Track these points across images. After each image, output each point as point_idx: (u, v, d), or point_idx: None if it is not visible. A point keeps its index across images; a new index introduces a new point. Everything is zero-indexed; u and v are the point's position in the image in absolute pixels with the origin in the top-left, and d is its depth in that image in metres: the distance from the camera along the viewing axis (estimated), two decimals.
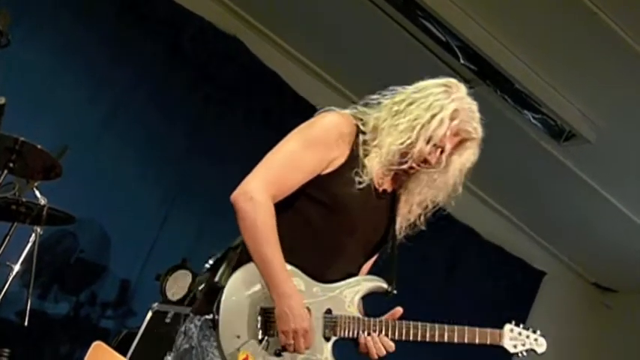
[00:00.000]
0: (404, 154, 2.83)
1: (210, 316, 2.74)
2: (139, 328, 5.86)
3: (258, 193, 2.74)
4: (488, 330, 3.04)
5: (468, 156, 2.96)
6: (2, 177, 4.68)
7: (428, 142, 2.81)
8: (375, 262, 3.10)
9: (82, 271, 6.61)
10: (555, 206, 8.19)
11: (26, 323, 5.28)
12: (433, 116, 2.81)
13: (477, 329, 3.00)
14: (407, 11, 6.07)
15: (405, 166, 2.87)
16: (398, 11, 6.11)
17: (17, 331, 5.82)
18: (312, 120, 2.92)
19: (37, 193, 5.19)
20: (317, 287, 2.82)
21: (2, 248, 5.22)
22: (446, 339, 2.94)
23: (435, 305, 7.56)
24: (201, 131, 7.10)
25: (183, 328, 2.87)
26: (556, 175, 7.34)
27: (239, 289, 2.76)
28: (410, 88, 2.96)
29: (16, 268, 5.25)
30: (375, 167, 2.84)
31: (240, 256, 2.82)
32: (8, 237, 5.27)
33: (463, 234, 8.62)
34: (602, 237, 8.37)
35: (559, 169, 7.18)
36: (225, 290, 2.74)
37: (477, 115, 2.95)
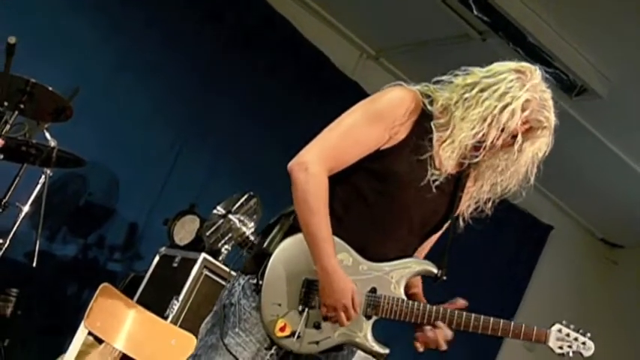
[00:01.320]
0: (477, 147, 2.81)
1: (255, 280, 2.78)
2: (146, 271, 5.91)
3: (314, 164, 2.73)
4: (535, 328, 2.94)
5: (541, 145, 2.90)
6: (13, 118, 4.68)
7: (501, 133, 2.77)
8: (438, 240, 3.10)
9: (91, 214, 6.64)
10: (565, 161, 8.16)
11: (34, 264, 5.31)
12: (504, 107, 2.75)
13: (523, 326, 2.92)
14: None
15: (477, 159, 2.85)
16: None
17: (26, 272, 5.87)
18: (377, 94, 2.89)
19: (47, 134, 5.19)
20: (364, 265, 2.82)
21: (12, 189, 5.25)
22: (490, 332, 2.91)
23: (440, 260, 7.53)
24: (214, 74, 7.08)
25: (229, 285, 2.90)
26: (566, 129, 7.20)
27: (286, 258, 2.79)
28: (482, 71, 2.90)
29: (25, 209, 5.27)
30: (450, 162, 2.83)
31: (294, 222, 2.82)
32: (18, 178, 5.29)
33: None
34: (611, 193, 8.36)
35: (570, 124, 7.13)
36: (273, 257, 2.77)
37: (550, 103, 2.89)
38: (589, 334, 3.00)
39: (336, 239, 2.76)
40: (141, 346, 4.03)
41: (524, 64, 2.96)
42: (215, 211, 5.78)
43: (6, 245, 5.14)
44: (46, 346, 6.12)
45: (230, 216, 5.66)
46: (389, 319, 2.85)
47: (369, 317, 2.83)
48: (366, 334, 2.82)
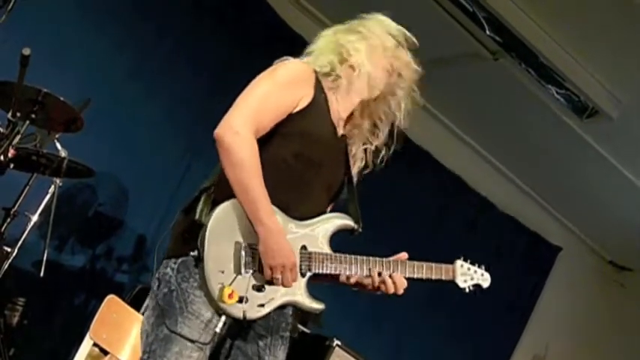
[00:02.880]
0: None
1: (195, 253, 2.76)
2: None
3: (243, 127, 2.81)
4: (443, 266, 3.13)
5: (410, 76, 3.29)
6: (24, 128, 4.69)
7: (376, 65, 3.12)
8: (352, 197, 3.18)
9: (100, 224, 6.64)
10: (574, 182, 8.17)
11: (42, 274, 5.32)
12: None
13: (433, 265, 3.10)
14: None
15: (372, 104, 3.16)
16: None
17: (33, 281, 5.86)
18: (274, 66, 3.10)
19: (58, 145, 5.22)
20: (292, 224, 2.89)
21: (21, 198, 5.27)
22: (407, 274, 3.01)
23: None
24: (225, 85, 7.08)
25: (157, 275, 2.88)
26: (577, 151, 7.31)
27: (222, 226, 2.78)
28: (335, 28, 3.27)
29: (34, 218, 5.29)
30: (341, 115, 3.10)
31: (216, 194, 2.85)
32: (27, 187, 5.31)
33: (479, 205, 8.61)
34: (620, 215, 8.34)
35: (580, 145, 7.15)
36: (209, 226, 2.75)
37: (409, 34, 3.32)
38: (484, 266, 3.25)
39: None
40: None
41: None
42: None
43: (14, 254, 5.15)
44: (52, 356, 6.13)
45: None
46: (320, 274, 2.91)
47: (303, 275, 2.88)
48: (302, 292, 2.88)
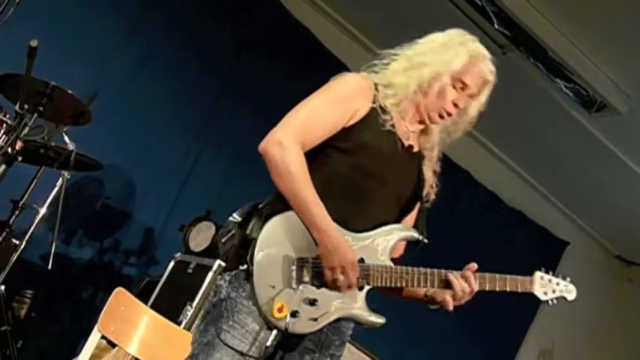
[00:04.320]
0: (425, 95, 3.02)
1: (244, 267, 2.78)
2: (160, 277, 5.92)
3: (287, 139, 2.80)
4: (519, 278, 3.06)
5: (484, 98, 3.14)
6: (32, 120, 4.69)
7: (449, 76, 3.00)
8: (419, 211, 3.14)
9: (107, 217, 6.66)
10: (582, 176, 8.15)
11: (50, 266, 5.33)
12: (448, 48, 3.06)
13: (508, 277, 3.03)
14: None
15: (435, 115, 3.03)
16: None
17: (41, 273, 5.89)
18: (331, 81, 3.03)
19: (66, 138, 5.22)
20: (348, 236, 2.84)
21: (29, 191, 5.28)
22: (479, 287, 2.97)
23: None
24: (233, 80, 7.09)
25: (214, 287, 2.91)
26: (585, 145, 7.30)
27: (272, 240, 2.79)
28: (421, 41, 3.18)
29: (42, 211, 5.30)
30: (410, 130, 3.01)
31: (272, 207, 2.86)
32: (35, 180, 5.32)
33: (486, 199, 8.60)
34: (627, 209, 8.32)
35: (588, 140, 7.13)
36: (259, 241, 2.78)
37: (489, 59, 3.14)
38: (569, 279, 3.18)
39: None
40: (153, 351, 4.03)
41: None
42: (231, 218, 5.77)
43: (22, 246, 5.16)
44: (59, 348, 6.14)
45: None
46: (381, 288, 2.87)
47: (361, 288, 2.84)
48: (361, 305, 2.84)
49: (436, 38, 3.16)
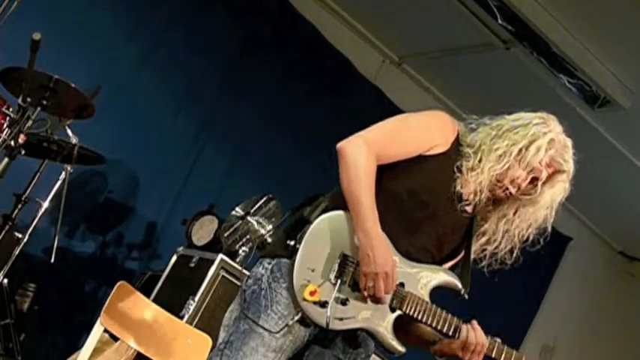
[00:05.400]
0: (500, 180, 2.94)
1: (292, 242, 2.81)
2: (163, 271, 5.92)
3: (366, 145, 2.83)
4: None
5: (559, 189, 3.05)
6: (35, 114, 4.69)
7: (524, 168, 2.92)
8: (466, 264, 3.12)
9: (110, 211, 6.67)
10: (585, 172, 8.11)
11: (52, 260, 5.34)
12: (531, 142, 2.92)
13: None
14: None
15: (499, 191, 2.97)
16: None
17: (43, 267, 5.89)
18: (426, 111, 3.05)
19: (69, 131, 5.23)
20: (397, 257, 2.86)
21: (32, 184, 5.28)
22: None
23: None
24: (236, 75, 7.09)
25: (253, 273, 2.92)
26: (588, 140, 7.21)
27: (325, 229, 2.83)
28: (509, 117, 3.06)
29: (45, 204, 5.30)
30: (475, 189, 2.94)
31: (330, 202, 2.91)
32: (38, 174, 5.32)
33: None
34: (630, 205, 8.31)
35: (591, 135, 7.12)
36: (314, 224, 2.82)
37: (571, 150, 3.08)
38: None
39: None
40: (156, 344, 4.03)
41: (548, 115, 3.14)
42: (234, 213, 5.79)
43: (25, 240, 5.17)
44: (62, 341, 6.15)
45: (248, 218, 5.68)
46: (411, 317, 2.86)
47: (393, 310, 2.85)
48: (387, 327, 2.85)
49: (521, 125, 3.02)
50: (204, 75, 7.00)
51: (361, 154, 2.80)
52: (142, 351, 4.04)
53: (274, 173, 7.07)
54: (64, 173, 5.33)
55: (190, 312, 5.22)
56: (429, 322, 2.88)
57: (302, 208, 2.94)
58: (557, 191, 3.02)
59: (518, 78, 6.78)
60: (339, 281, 2.78)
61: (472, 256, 3.08)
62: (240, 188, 6.61)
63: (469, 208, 3.02)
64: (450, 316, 2.91)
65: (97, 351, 4.19)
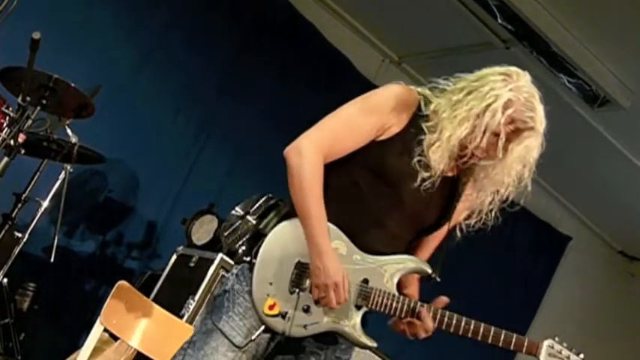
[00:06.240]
0: (463, 146, 2.83)
1: (248, 259, 2.83)
2: (163, 270, 5.92)
3: (308, 149, 2.81)
4: (526, 339, 2.94)
5: (529, 146, 2.90)
6: (35, 113, 4.69)
7: (484, 132, 2.79)
8: (439, 247, 3.11)
9: (110, 210, 6.67)
10: (585, 172, 8.14)
11: (52, 259, 5.34)
12: (487, 106, 2.79)
13: (515, 336, 2.93)
14: None
15: (465, 159, 2.87)
16: None
17: (43, 266, 5.89)
18: (377, 89, 2.97)
19: (69, 131, 5.23)
20: (358, 255, 2.85)
21: (32, 184, 5.28)
22: (480, 337, 2.92)
23: (456, 265, 7.56)
24: (236, 75, 7.09)
25: (221, 279, 2.97)
26: (588, 140, 7.29)
27: (281, 239, 2.83)
28: (471, 77, 2.93)
29: (45, 204, 5.31)
30: (440, 161, 2.83)
31: (290, 209, 2.87)
32: (38, 173, 5.33)
33: None
34: (630, 205, 8.31)
35: (591, 134, 7.12)
36: (268, 237, 2.83)
37: (537, 104, 2.89)
38: (582, 355, 3.00)
39: (331, 226, 2.80)
40: (156, 344, 4.04)
41: (512, 68, 2.98)
42: (233, 212, 5.78)
43: (25, 239, 5.17)
44: (62, 341, 6.15)
45: (248, 217, 5.67)
46: (378, 312, 2.86)
47: (358, 307, 2.85)
48: (355, 325, 2.84)
49: (480, 86, 2.87)
50: (204, 75, 6.99)
51: (303, 161, 2.79)
52: (142, 350, 4.05)
53: (274, 173, 7.05)
54: (63, 173, 5.34)
55: (190, 311, 5.22)
56: (396, 314, 2.86)
57: (264, 216, 2.93)
58: (527, 147, 2.90)
59: None
60: (297, 290, 2.78)
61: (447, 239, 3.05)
62: (240, 188, 6.60)
63: (446, 168, 2.89)
64: (415, 304, 2.87)
65: (96, 350, 4.19)
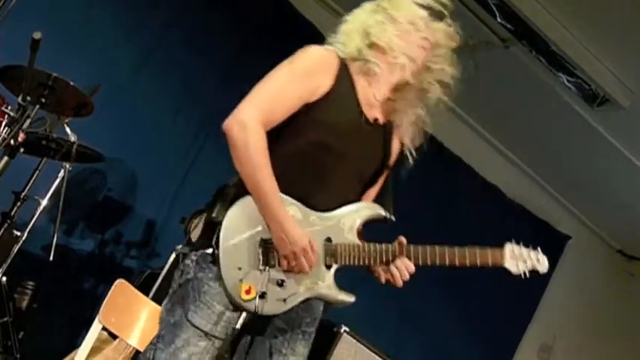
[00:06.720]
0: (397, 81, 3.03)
1: (210, 251, 2.79)
2: (162, 269, 5.92)
3: (251, 120, 2.82)
4: (489, 250, 3.04)
5: (441, 68, 3.08)
6: (34, 112, 4.70)
7: (412, 52, 3.00)
8: (384, 187, 3.14)
9: (109, 209, 6.66)
10: (584, 171, 8.15)
11: (51, 258, 5.34)
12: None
13: (478, 250, 3.00)
14: None
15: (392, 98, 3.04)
16: None
17: (42, 265, 5.89)
18: (297, 53, 3.06)
19: (68, 129, 5.23)
20: (314, 216, 2.87)
21: (31, 182, 5.28)
22: (447, 262, 2.94)
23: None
24: (235, 74, 7.08)
25: (180, 267, 2.91)
26: (587, 139, 7.29)
27: (237, 222, 2.80)
28: (360, 11, 3.17)
29: (44, 202, 5.31)
30: (375, 101, 3.00)
31: (237, 190, 2.85)
32: (37, 172, 5.33)
33: (486, 192, 8.59)
34: (629, 204, 8.32)
35: (590, 134, 7.12)
36: (224, 223, 2.78)
37: (428, 22, 3.07)
38: (539, 249, 3.16)
39: (282, 195, 2.80)
40: None
41: None
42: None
43: (24, 238, 5.17)
44: (61, 339, 6.15)
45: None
46: (349, 266, 2.89)
47: (329, 267, 2.87)
48: (330, 285, 2.87)
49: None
50: (203, 75, 6.99)
51: (248, 133, 2.79)
52: (141, 349, 4.05)
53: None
54: (62, 171, 5.34)
55: None
56: (365, 263, 2.90)
57: (213, 205, 2.87)
58: (438, 69, 3.07)
59: (517, 76, 6.78)
60: (267, 267, 2.77)
61: (389, 169, 3.11)
62: None
63: (379, 116, 3.04)
64: (383, 247, 2.92)
65: (95, 349, 4.20)
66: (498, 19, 6.07)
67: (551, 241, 9.08)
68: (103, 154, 5.51)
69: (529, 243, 9.11)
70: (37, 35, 3.97)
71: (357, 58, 3.02)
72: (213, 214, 2.82)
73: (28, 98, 4.41)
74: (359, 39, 3.05)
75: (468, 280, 7.54)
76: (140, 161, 6.68)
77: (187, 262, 2.88)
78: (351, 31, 3.10)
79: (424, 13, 3.04)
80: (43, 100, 4.79)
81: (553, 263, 9.15)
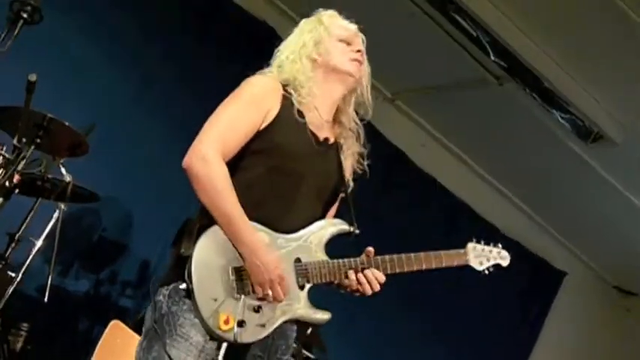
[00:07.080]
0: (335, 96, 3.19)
1: (184, 286, 2.78)
2: None
3: (211, 154, 2.87)
4: (453, 252, 3.14)
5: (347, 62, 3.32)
6: (29, 153, 4.70)
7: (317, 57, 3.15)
8: (342, 203, 3.19)
9: (104, 249, 6.65)
10: (579, 207, 8.16)
11: (46, 299, 5.31)
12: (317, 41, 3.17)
13: (442, 253, 3.09)
14: (438, 4, 6.04)
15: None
16: (429, 3, 6.08)
17: (37, 306, 5.85)
18: (242, 85, 3.09)
19: (63, 169, 5.22)
20: (281, 239, 2.90)
21: (26, 223, 5.26)
22: (415, 268, 3.01)
23: (451, 298, 7.58)
24: None
25: (151, 304, 2.89)
26: (581, 175, 7.31)
27: (207, 254, 2.80)
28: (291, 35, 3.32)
29: (39, 243, 5.28)
30: (304, 103, 3.06)
31: (201, 222, 2.86)
32: (32, 212, 5.31)
33: (483, 229, 8.58)
34: (625, 240, 8.33)
35: (584, 170, 7.15)
36: (194, 257, 2.78)
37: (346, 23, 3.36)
38: (500, 245, 3.25)
39: (250, 222, 2.82)
40: None
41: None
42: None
43: (18, 279, 5.14)
44: None
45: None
46: (321, 284, 2.92)
47: (302, 287, 2.89)
48: (305, 304, 2.89)
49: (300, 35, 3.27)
50: (198, 111, 6.92)
51: (210, 166, 2.83)
52: None
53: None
54: (57, 211, 5.32)
55: None
56: (336, 279, 2.94)
57: (179, 241, 2.86)
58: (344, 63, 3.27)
59: (511, 114, 6.81)
60: (242, 295, 2.77)
61: (345, 187, 3.16)
62: None
63: (329, 135, 3.12)
64: (352, 260, 2.96)
65: None
66: (492, 57, 6.10)
67: (547, 278, 9.09)
68: (98, 193, 5.50)
69: (526, 279, 9.14)
70: (32, 77, 3.97)
71: (298, 82, 3.10)
72: (182, 250, 2.81)
73: (24, 140, 4.41)
74: (297, 62, 3.16)
75: (462, 317, 7.53)
76: (135, 200, 6.68)
77: (159, 297, 2.87)
78: (288, 56, 3.19)
79: (346, 31, 3.37)
80: (39, 140, 4.79)
81: (549, 299, 9.16)
